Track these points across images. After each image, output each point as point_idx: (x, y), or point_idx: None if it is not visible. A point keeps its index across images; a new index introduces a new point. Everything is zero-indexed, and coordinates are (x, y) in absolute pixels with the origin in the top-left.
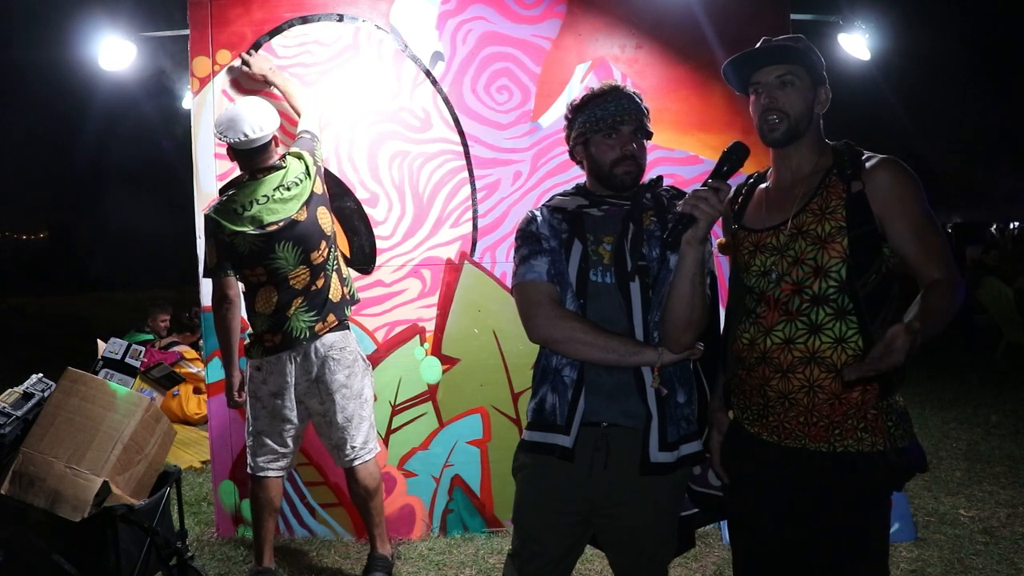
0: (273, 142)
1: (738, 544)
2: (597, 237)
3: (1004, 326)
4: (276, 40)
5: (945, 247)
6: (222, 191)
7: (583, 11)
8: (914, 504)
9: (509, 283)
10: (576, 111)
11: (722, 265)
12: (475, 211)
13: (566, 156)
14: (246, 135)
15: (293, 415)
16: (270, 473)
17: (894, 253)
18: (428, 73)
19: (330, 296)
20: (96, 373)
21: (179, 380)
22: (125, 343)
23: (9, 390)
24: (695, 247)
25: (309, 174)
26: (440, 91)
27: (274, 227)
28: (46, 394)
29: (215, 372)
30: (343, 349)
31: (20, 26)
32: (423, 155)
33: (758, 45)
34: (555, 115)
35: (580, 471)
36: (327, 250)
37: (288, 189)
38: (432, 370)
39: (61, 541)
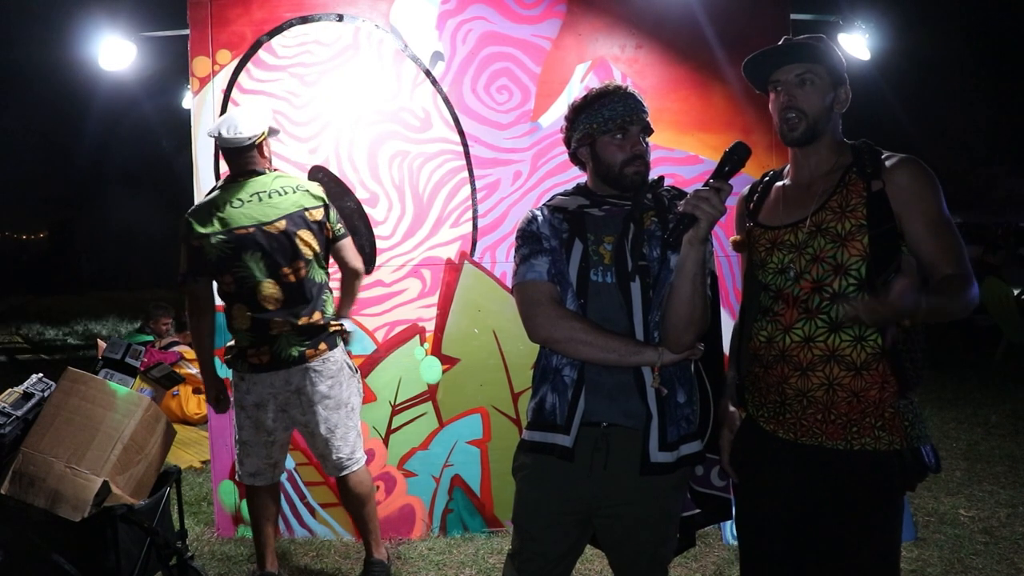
0: (259, 149)
1: (746, 542)
2: (598, 237)
3: (1004, 326)
4: (276, 40)
5: (961, 248)
6: (211, 190)
7: (583, 11)
8: (914, 504)
9: (509, 283)
10: (578, 111)
11: (723, 265)
12: (475, 211)
13: (566, 156)
14: (221, 134)
15: (276, 426)
16: (258, 482)
17: (910, 251)
18: (428, 73)
19: (325, 327)
20: (96, 373)
21: (179, 380)
22: (125, 343)
23: (9, 390)
24: (696, 247)
25: (295, 190)
26: (440, 91)
27: (242, 231)
28: (46, 394)
29: None
30: (326, 360)
31: (20, 26)
32: (423, 155)
33: (780, 43)
34: (555, 115)
35: (580, 471)
36: (305, 271)
37: (270, 196)
38: (432, 370)
39: (61, 541)
